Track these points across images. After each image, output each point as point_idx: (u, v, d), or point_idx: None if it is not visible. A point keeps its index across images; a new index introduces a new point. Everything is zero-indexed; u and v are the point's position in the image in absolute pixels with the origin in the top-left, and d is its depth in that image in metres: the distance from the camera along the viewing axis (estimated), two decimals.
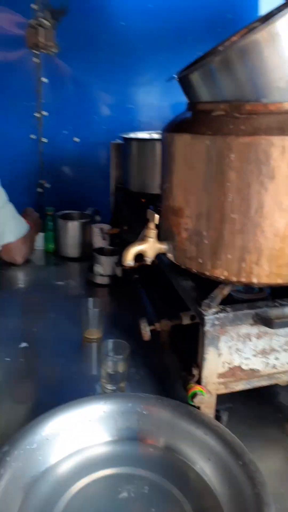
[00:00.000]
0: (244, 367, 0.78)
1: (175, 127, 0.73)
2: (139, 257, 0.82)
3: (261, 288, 0.85)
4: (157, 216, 0.75)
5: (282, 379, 0.82)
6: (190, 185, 0.71)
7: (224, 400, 0.88)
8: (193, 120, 0.71)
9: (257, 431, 0.83)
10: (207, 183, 0.69)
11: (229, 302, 0.76)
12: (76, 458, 0.68)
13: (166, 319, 0.91)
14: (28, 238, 1.14)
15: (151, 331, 0.92)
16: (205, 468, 0.67)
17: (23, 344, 1.06)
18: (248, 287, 0.84)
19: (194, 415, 0.71)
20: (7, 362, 0.99)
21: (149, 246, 0.78)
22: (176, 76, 0.72)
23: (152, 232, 0.77)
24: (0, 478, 0.57)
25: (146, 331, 0.88)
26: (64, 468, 0.66)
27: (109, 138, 1.78)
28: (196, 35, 1.82)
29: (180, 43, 1.81)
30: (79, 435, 0.70)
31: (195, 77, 0.69)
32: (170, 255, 0.81)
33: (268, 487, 0.59)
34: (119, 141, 1.59)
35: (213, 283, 0.79)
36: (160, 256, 0.94)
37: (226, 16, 1.83)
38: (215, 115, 0.67)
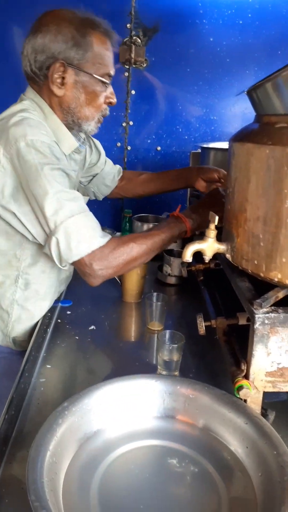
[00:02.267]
0: None
1: (240, 136, 0.79)
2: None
3: None
4: (217, 218, 0.81)
5: None
6: (250, 190, 0.76)
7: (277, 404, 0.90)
8: (257, 131, 0.76)
9: None
10: (265, 190, 0.73)
11: None
12: (124, 426, 0.76)
13: (223, 317, 0.97)
14: None
15: (210, 327, 0.98)
16: (242, 453, 0.71)
17: (92, 327, 1.18)
18: None
19: (237, 405, 0.75)
20: (76, 340, 1.11)
21: (208, 245, 0.84)
22: (245, 91, 0.78)
23: (211, 232, 0.83)
24: (59, 426, 0.67)
25: (201, 326, 0.94)
26: (113, 433, 0.75)
27: (190, 148, 1.86)
28: (286, 49, 1.83)
29: (269, 58, 1.84)
30: (130, 406, 0.78)
31: (261, 91, 0.75)
32: (228, 256, 0.86)
33: None
34: (198, 150, 1.66)
35: (271, 287, 0.82)
36: (222, 259, 1.00)
37: None
38: (278, 127, 0.72)
